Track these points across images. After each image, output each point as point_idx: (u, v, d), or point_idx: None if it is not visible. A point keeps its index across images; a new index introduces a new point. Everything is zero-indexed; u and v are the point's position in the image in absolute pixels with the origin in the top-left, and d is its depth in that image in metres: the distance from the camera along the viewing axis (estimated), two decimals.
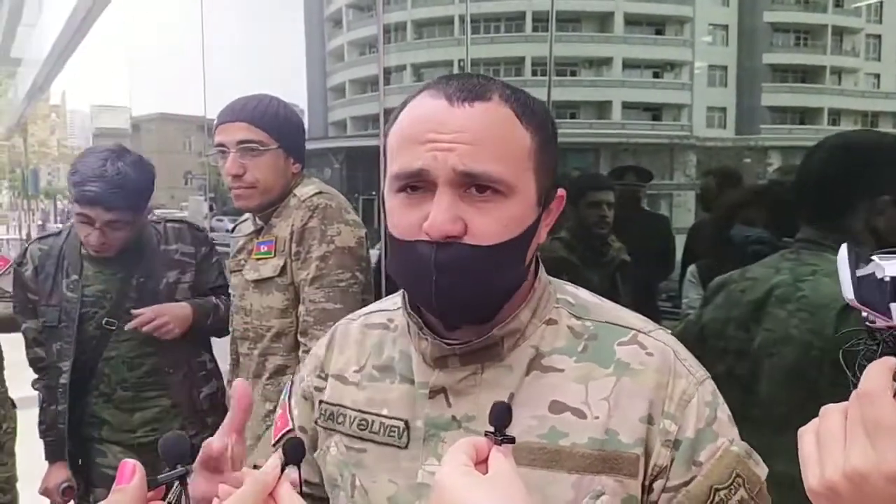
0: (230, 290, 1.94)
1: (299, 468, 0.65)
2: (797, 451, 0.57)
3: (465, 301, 0.71)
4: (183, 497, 0.58)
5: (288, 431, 0.91)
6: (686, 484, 0.70)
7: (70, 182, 1.89)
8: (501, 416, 0.60)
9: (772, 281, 1.37)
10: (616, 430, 0.71)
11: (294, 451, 0.67)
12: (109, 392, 2.03)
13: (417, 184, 0.69)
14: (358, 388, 0.83)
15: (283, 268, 1.67)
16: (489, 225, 0.68)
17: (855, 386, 0.84)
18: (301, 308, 1.64)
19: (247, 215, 1.91)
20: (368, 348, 0.85)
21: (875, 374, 0.52)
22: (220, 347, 2.20)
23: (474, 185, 0.68)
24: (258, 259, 1.71)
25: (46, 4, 15.08)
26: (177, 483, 0.58)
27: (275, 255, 1.68)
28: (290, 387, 0.95)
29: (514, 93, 0.72)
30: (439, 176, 0.67)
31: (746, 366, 1.34)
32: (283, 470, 0.61)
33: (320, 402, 0.86)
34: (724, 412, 0.74)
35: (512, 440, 0.61)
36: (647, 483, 0.71)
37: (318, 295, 1.61)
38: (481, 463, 0.58)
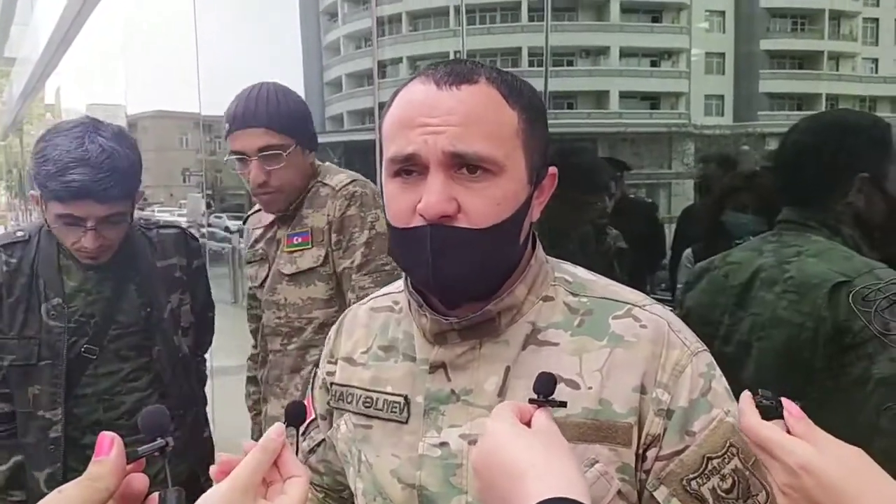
0: (249, 284, 1.86)
1: (297, 431, 0.67)
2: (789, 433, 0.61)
3: (462, 282, 0.73)
4: (166, 470, 0.58)
5: (311, 421, 0.94)
6: (679, 453, 0.71)
7: (39, 175, 1.41)
8: (545, 384, 0.63)
9: (756, 264, 1.35)
10: (609, 399, 0.72)
11: (296, 415, 0.68)
12: (77, 437, 1.56)
13: (411, 168, 0.71)
14: (364, 368, 0.86)
15: (325, 257, 1.62)
16: (481, 204, 0.70)
17: (877, 332, 0.92)
18: (350, 295, 1.60)
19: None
20: (375, 330, 0.88)
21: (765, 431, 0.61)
22: (238, 343, 2.09)
23: (465, 166, 0.70)
24: (292, 251, 1.66)
25: (39, 3, 15.02)
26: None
27: (312, 246, 1.64)
28: (314, 379, 0.99)
29: (501, 75, 0.74)
30: (430, 158, 0.69)
31: (733, 351, 1.33)
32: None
33: (332, 384, 0.90)
34: (720, 384, 0.74)
35: (563, 404, 0.63)
36: (640, 451, 0.72)
37: (365, 281, 1.60)
38: (524, 425, 0.61)
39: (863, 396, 1.12)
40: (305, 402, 0.69)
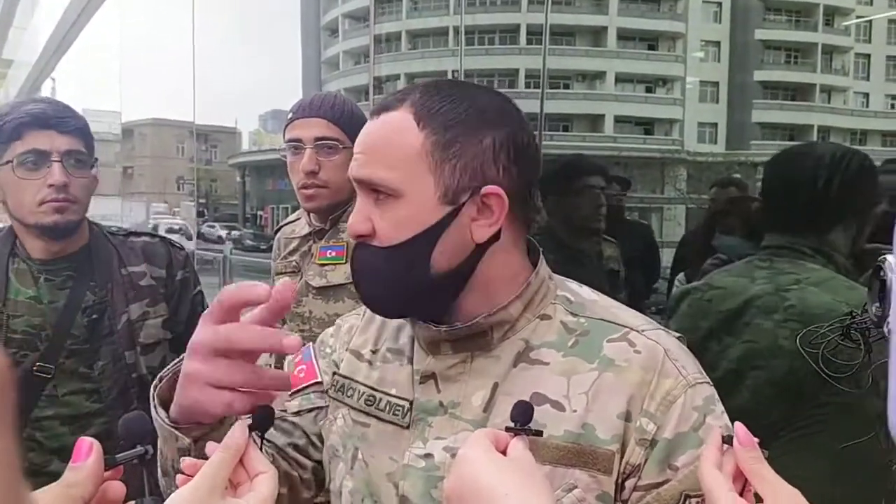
0: None
1: (262, 438, 0.67)
2: (780, 462, 0.59)
3: (375, 298, 0.79)
4: (144, 478, 0.57)
5: (316, 383, 0.92)
6: (657, 486, 0.69)
7: None
8: (522, 412, 0.63)
9: (750, 291, 1.31)
10: (593, 424, 0.71)
11: (263, 420, 0.68)
12: (41, 463, 1.41)
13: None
14: (371, 366, 0.87)
15: None
16: (385, 225, 0.75)
17: (825, 374, 0.93)
18: None
19: (297, 214, 1.87)
20: (388, 331, 0.89)
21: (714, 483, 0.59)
22: None
23: (372, 190, 0.75)
24: (324, 265, 1.64)
25: (39, 6, 15.06)
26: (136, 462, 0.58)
27: (346, 261, 1.61)
28: (313, 348, 0.97)
29: (430, 97, 0.75)
30: (355, 183, 0.78)
31: (720, 378, 1.32)
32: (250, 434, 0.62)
33: (334, 373, 0.91)
34: (717, 420, 0.72)
35: (539, 433, 0.63)
36: (620, 481, 0.70)
37: None
38: (499, 453, 0.61)
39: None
40: (273, 407, 0.69)
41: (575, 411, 0.72)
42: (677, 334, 0.78)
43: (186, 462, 0.60)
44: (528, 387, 0.74)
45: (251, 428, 0.62)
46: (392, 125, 0.75)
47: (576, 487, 0.69)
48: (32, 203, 1.36)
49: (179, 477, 0.60)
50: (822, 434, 1.15)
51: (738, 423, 0.61)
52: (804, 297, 1.22)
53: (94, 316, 1.45)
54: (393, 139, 0.75)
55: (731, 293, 1.36)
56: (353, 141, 1.67)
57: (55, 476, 0.63)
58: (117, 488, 0.55)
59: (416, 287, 0.76)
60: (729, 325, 1.35)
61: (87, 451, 0.53)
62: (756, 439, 0.60)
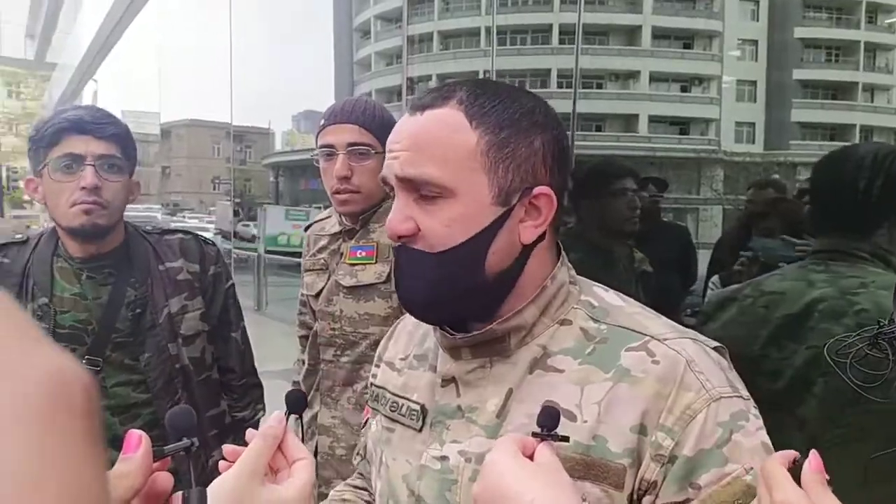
0: (303, 291, 1.81)
1: (301, 418, 0.67)
2: (849, 474, 0.57)
3: (420, 304, 0.76)
4: (190, 469, 0.58)
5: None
6: None
7: (36, 141, 1.42)
8: (549, 418, 0.62)
9: (810, 295, 1.27)
10: (605, 436, 0.68)
11: (296, 402, 0.69)
12: None
13: (391, 191, 0.76)
14: (399, 374, 0.88)
15: (388, 275, 1.60)
16: (435, 226, 0.72)
17: (852, 384, 0.94)
18: None
19: (328, 212, 1.89)
20: (416, 339, 0.89)
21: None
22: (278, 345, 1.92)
23: (419, 188, 0.72)
24: (354, 264, 1.67)
25: (82, 12, 15.50)
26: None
27: (377, 261, 1.64)
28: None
29: (477, 97, 0.74)
30: (392, 182, 0.74)
31: (785, 387, 1.26)
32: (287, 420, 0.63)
33: (371, 384, 0.93)
34: (748, 438, 0.67)
35: (565, 439, 0.62)
36: (635, 497, 0.68)
37: None
38: (526, 458, 0.61)
39: None
40: (303, 389, 0.70)
41: (586, 422, 0.69)
42: (715, 343, 0.75)
43: (228, 448, 0.62)
44: (541, 394, 0.72)
45: (286, 412, 0.63)
46: (442, 122, 0.72)
47: (585, 501, 0.66)
48: (66, 205, 1.42)
49: (222, 463, 0.62)
50: (859, 441, 1.12)
51: (813, 451, 0.58)
52: (876, 301, 1.16)
53: (138, 310, 1.52)
54: (445, 137, 0.72)
55: (788, 298, 1.29)
56: (384, 146, 1.72)
57: (109, 465, 0.66)
58: (165, 479, 0.57)
59: (468, 290, 0.74)
60: (790, 331, 1.28)
61: (137, 444, 0.54)
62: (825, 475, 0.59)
